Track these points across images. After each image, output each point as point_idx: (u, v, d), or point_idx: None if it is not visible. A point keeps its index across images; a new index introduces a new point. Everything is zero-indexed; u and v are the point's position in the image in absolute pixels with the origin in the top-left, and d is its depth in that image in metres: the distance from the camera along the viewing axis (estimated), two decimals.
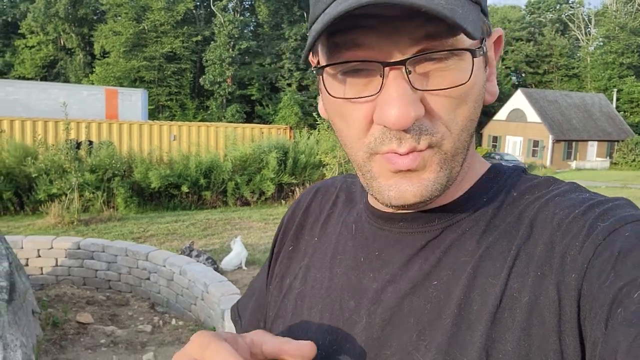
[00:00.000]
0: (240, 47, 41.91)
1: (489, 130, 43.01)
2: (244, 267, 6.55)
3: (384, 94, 0.48)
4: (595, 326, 0.43)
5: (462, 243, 0.55)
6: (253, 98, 43.84)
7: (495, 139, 42.38)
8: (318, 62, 0.55)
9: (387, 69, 0.48)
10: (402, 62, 0.47)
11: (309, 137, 14.69)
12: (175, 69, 42.76)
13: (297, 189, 12.64)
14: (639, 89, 44.96)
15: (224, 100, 42.59)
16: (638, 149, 36.40)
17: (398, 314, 0.54)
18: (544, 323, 0.46)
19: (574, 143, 37.31)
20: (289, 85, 43.31)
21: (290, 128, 15.16)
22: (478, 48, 0.49)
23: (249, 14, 47.04)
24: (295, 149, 13.59)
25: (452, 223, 0.57)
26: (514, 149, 40.36)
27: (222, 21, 41.59)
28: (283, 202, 12.69)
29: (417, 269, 0.55)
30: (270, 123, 35.58)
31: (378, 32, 0.47)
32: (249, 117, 41.93)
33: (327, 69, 0.51)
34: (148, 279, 5.39)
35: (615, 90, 44.96)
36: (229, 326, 3.79)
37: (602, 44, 49.49)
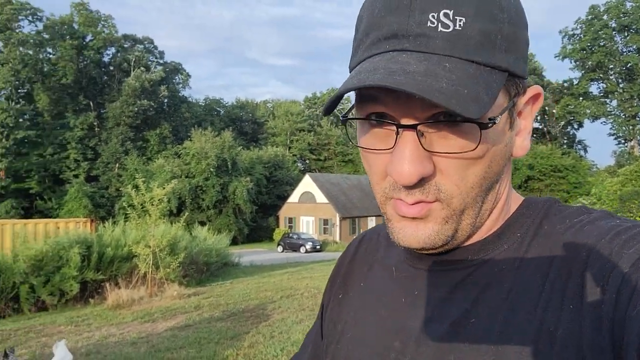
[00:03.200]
0: (16, 137, 37.86)
1: (284, 213, 45.81)
2: None
3: (396, 151, 0.52)
4: (629, 356, 0.44)
5: (499, 280, 0.56)
6: (32, 192, 39.31)
7: (290, 220, 45.23)
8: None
9: (401, 129, 0.52)
10: (414, 126, 0.51)
11: (113, 230, 13.94)
12: None
13: (106, 285, 11.77)
14: None
15: None
16: None
17: (438, 353, 0.56)
18: (582, 358, 0.47)
19: (356, 219, 41.95)
20: (76, 176, 40.21)
21: (92, 220, 14.17)
22: (491, 119, 0.51)
23: (25, 102, 43.05)
24: (99, 242, 12.76)
25: (486, 260, 0.58)
26: (307, 228, 43.55)
27: None
28: (91, 300, 11.64)
29: (455, 307, 0.57)
30: (55, 218, 32.16)
31: (396, 94, 0.50)
32: (28, 213, 37.13)
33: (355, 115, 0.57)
34: None
35: None
36: None
37: None
